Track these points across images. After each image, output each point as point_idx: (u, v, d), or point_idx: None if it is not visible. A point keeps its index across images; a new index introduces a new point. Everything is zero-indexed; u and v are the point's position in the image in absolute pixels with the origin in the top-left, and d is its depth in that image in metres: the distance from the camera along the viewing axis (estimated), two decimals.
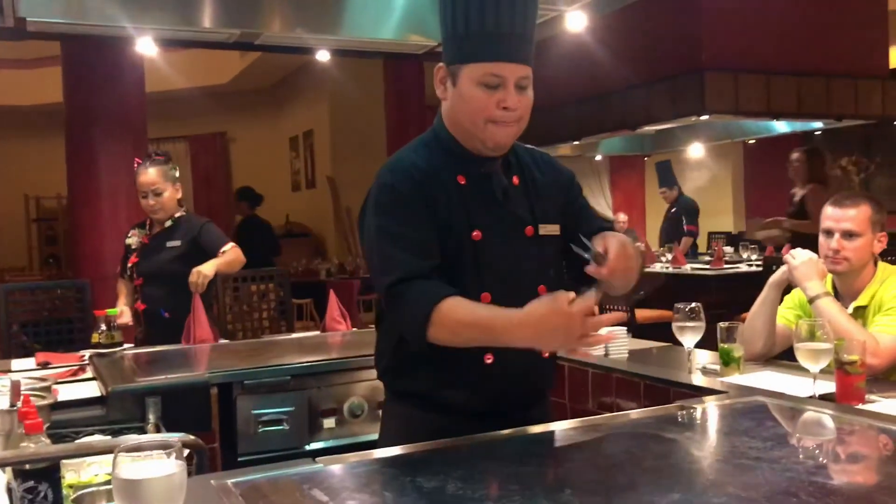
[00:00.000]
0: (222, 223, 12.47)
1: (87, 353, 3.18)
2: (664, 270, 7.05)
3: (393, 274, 1.65)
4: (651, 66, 6.85)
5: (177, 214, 3.75)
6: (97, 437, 2.11)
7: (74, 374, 2.90)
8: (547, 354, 1.80)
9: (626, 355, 2.73)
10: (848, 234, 2.50)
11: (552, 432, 1.76)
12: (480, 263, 1.71)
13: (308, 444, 2.79)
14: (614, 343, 2.74)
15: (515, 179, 1.80)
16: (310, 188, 11.77)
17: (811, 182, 5.90)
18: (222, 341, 3.63)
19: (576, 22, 4.06)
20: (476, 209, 1.72)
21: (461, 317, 1.59)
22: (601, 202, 12.04)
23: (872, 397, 2.05)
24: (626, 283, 1.64)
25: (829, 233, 2.53)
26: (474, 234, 1.70)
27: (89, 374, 2.87)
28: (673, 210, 8.26)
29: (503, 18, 1.63)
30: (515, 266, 1.75)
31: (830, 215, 2.55)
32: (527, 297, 1.60)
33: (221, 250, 3.63)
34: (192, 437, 1.58)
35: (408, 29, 4.12)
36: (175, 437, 1.39)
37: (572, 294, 1.48)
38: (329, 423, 2.83)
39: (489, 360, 1.70)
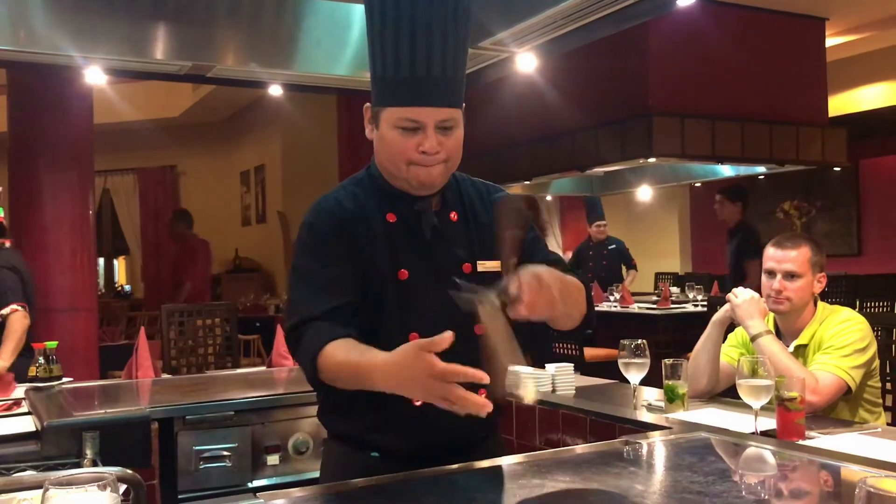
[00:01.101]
0: (170, 256, 12.30)
1: (23, 386, 3.09)
2: (611, 309, 7.12)
3: (292, 318, 1.64)
4: (600, 109, 6.99)
5: None
6: (29, 474, 2.04)
7: (8, 408, 2.80)
8: (484, 395, 1.66)
9: (573, 391, 2.75)
10: (789, 275, 2.55)
11: (498, 467, 1.75)
12: (406, 303, 1.67)
13: (251, 482, 2.73)
14: (561, 378, 2.76)
15: (454, 215, 1.76)
16: (260, 223, 11.67)
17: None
18: (165, 376, 3.56)
19: (526, 63, 4.13)
20: (404, 248, 1.69)
21: (338, 359, 1.54)
22: (552, 241, 12.17)
23: (812, 434, 2.08)
24: (560, 316, 1.57)
25: (772, 273, 2.59)
26: (400, 273, 1.67)
27: (24, 408, 2.78)
28: (612, 247, 8.10)
29: (419, 62, 1.60)
30: (449, 305, 1.58)
31: (772, 256, 2.61)
32: (463, 338, 1.48)
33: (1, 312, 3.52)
34: (129, 471, 1.53)
35: (361, 65, 4.14)
36: (111, 470, 1.34)
37: (448, 336, 1.34)
38: (273, 459, 2.78)
39: (418, 402, 1.61)
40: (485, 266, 1.75)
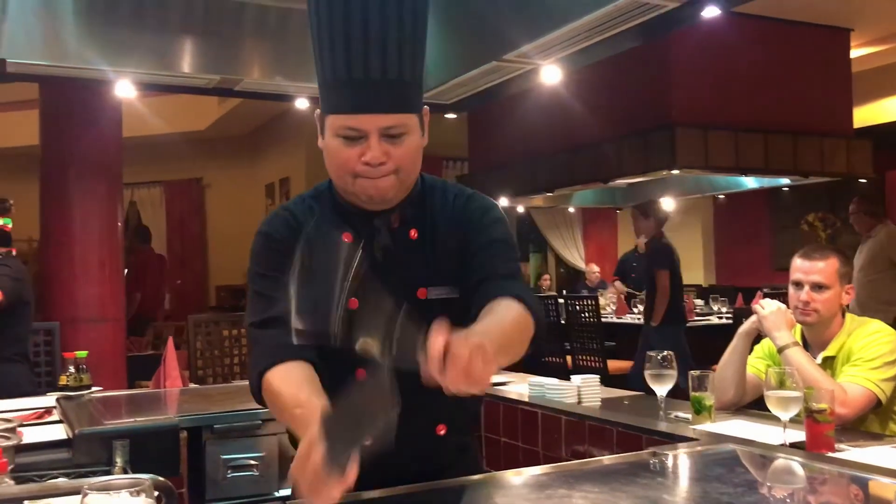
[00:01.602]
0: (195, 267, 12.36)
1: (53, 394, 3.13)
2: (636, 322, 7.09)
3: (257, 313, 1.55)
4: (624, 121, 6.99)
5: None
6: (63, 480, 2.07)
7: (40, 416, 2.84)
8: (444, 431, 1.62)
9: (599, 403, 2.74)
10: (817, 287, 2.54)
11: (525, 478, 1.75)
12: (355, 336, 1.40)
13: (278, 490, 2.74)
14: (587, 390, 2.76)
15: (413, 233, 1.59)
16: None
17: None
18: (192, 385, 3.59)
19: (550, 75, 4.15)
20: (357, 272, 1.47)
21: (275, 389, 1.45)
22: (574, 253, 12.16)
23: (842, 446, 2.07)
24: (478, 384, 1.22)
25: (799, 285, 2.58)
26: (351, 301, 1.42)
27: (56, 416, 2.82)
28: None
29: (354, 64, 1.45)
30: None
31: (800, 267, 2.60)
32: (414, 370, 1.27)
33: None
34: (161, 478, 1.56)
35: None
36: (145, 477, 1.37)
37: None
38: None
39: (367, 441, 1.33)
40: (436, 293, 1.57)
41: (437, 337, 1.18)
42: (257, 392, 1.52)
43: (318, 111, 1.55)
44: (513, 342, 1.42)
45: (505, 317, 1.43)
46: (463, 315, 1.42)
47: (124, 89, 4.05)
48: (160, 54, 3.68)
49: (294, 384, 1.43)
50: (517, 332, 1.45)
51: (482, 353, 1.18)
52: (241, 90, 4.13)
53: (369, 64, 1.44)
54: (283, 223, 1.60)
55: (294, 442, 1.70)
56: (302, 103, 4.46)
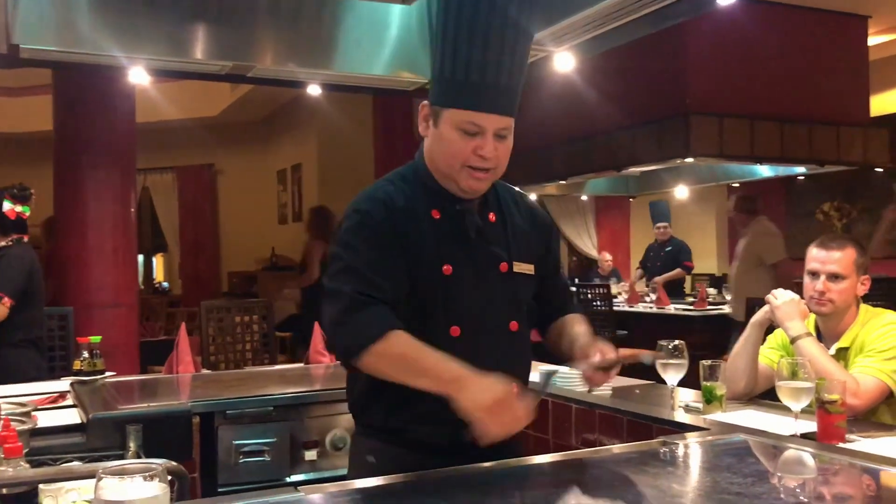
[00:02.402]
0: (208, 253, 12.40)
1: (67, 379, 3.16)
2: (648, 310, 7.08)
3: (355, 284, 1.64)
4: (637, 109, 6.95)
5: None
6: (78, 464, 2.09)
7: (54, 400, 2.87)
8: (515, 389, 1.77)
9: (610, 392, 2.74)
10: (833, 277, 2.53)
11: (535, 466, 1.76)
12: (450, 297, 1.72)
13: (289, 476, 2.77)
14: None
15: (492, 216, 1.82)
16: (296, 221, 11.77)
17: None
18: (204, 371, 3.62)
19: (564, 63, 4.12)
20: (448, 244, 1.74)
21: (403, 351, 1.61)
22: (587, 241, 12.12)
23: (853, 437, 2.06)
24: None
25: (815, 274, 2.56)
26: (445, 268, 1.72)
27: (70, 401, 2.84)
28: (669, 248, 8.33)
29: (489, 69, 1.65)
30: (487, 301, 1.76)
31: (815, 257, 2.58)
32: (497, 333, 1.74)
33: None
34: (174, 463, 1.57)
35: (398, 66, 4.17)
36: (158, 462, 1.38)
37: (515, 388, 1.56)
38: (311, 455, 2.81)
39: None
40: (520, 268, 1.82)
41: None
42: (357, 354, 1.62)
43: (425, 103, 1.75)
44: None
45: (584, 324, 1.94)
46: (532, 290, 1.87)
47: (138, 76, 4.05)
48: (173, 41, 3.67)
49: (427, 348, 1.62)
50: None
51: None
52: (254, 76, 4.11)
53: (500, 70, 1.66)
54: (381, 204, 1.73)
55: (368, 417, 1.81)
56: (314, 90, 4.45)
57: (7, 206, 3.78)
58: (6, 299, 3.59)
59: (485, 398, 1.52)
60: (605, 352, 1.77)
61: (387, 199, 1.74)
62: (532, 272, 1.85)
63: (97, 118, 5.57)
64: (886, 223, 6.31)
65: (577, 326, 1.92)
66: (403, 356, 1.61)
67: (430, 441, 1.73)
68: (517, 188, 1.97)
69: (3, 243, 3.75)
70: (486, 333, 1.74)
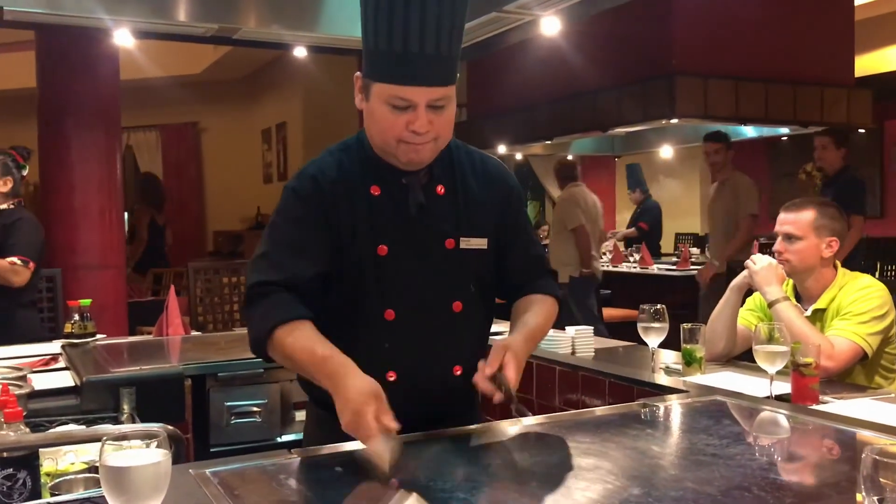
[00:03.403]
0: (193, 212, 12.35)
1: (58, 342, 3.20)
2: (631, 270, 7.17)
3: (261, 274, 1.63)
4: (623, 70, 6.95)
5: (1, 206, 3.71)
6: (72, 427, 2.14)
7: (46, 363, 2.91)
8: (459, 371, 1.73)
9: (593, 354, 2.81)
10: (788, 237, 2.61)
11: (519, 428, 1.82)
12: (385, 279, 1.65)
13: (280, 437, 2.83)
14: (581, 341, 2.82)
15: (440, 189, 1.71)
16: (282, 180, 11.74)
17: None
18: (194, 333, 3.66)
19: (550, 27, 4.13)
20: (385, 222, 1.66)
21: (296, 343, 1.56)
22: None
23: (826, 398, 2.14)
24: None
25: (776, 235, 2.66)
26: (380, 248, 1.65)
27: (62, 363, 2.88)
28: (638, 212, 8.56)
29: (412, 38, 1.52)
30: (425, 283, 1.68)
31: (777, 219, 2.67)
32: (436, 315, 1.68)
33: (10, 259, 3.57)
34: (170, 427, 1.62)
35: None
36: (157, 426, 1.43)
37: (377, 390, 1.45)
38: (301, 415, 2.87)
39: (391, 377, 1.66)
40: (468, 244, 1.72)
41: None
42: (262, 353, 1.62)
43: (358, 74, 1.64)
44: (544, 332, 1.81)
45: (539, 312, 1.78)
46: (489, 265, 1.76)
47: (122, 37, 4.03)
48: (157, 3, 3.66)
49: (311, 340, 1.56)
50: (548, 323, 1.82)
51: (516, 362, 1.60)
52: (239, 38, 4.11)
53: (424, 40, 1.53)
54: (310, 180, 1.67)
55: (308, 388, 1.78)
56: (300, 52, 4.44)
57: (24, 170, 3.78)
58: (31, 264, 3.61)
59: (346, 408, 1.44)
60: (497, 370, 1.59)
61: (318, 173, 1.67)
62: (485, 246, 1.74)
63: (81, 79, 5.52)
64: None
65: (524, 316, 1.77)
66: (287, 354, 1.57)
67: None
68: (480, 150, 1.85)
69: (11, 206, 3.73)
70: (425, 316, 1.67)
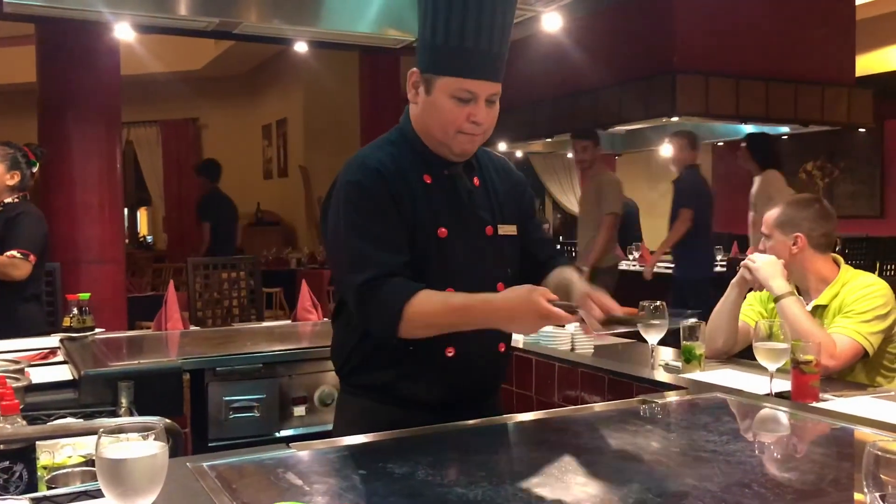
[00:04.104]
0: (192, 208, 12.41)
1: (57, 335, 3.19)
2: (630, 268, 7.17)
3: (365, 272, 1.69)
4: (624, 68, 6.94)
5: (6, 199, 3.71)
6: (70, 420, 2.13)
7: (44, 357, 2.90)
8: (503, 348, 1.88)
9: (592, 350, 2.80)
10: (765, 236, 2.66)
11: (518, 423, 1.82)
12: (445, 259, 1.77)
13: (278, 432, 2.82)
14: (580, 338, 2.82)
15: (476, 181, 1.86)
16: (282, 177, 11.73)
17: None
18: (193, 328, 3.65)
19: (552, 23, 4.12)
20: (441, 208, 1.79)
21: (435, 307, 1.66)
22: (572, 199, 12.16)
23: (826, 396, 2.13)
24: None
25: None
26: (440, 231, 1.77)
27: (60, 357, 2.87)
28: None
29: (482, 36, 1.67)
30: (477, 263, 1.82)
31: None
32: (490, 290, 1.74)
33: (9, 252, 3.55)
34: (168, 420, 1.62)
35: (385, 23, 4.15)
36: (155, 419, 1.42)
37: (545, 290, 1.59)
38: (299, 410, 2.87)
39: (450, 353, 1.77)
40: (504, 230, 1.88)
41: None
42: (394, 334, 1.68)
43: (414, 70, 1.77)
44: None
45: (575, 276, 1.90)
46: (518, 250, 1.92)
47: (122, 31, 4.02)
48: None
49: (444, 298, 1.68)
50: None
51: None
52: (240, 33, 4.09)
53: (492, 37, 1.69)
54: (375, 173, 1.75)
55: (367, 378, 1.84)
56: (300, 47, 4.43)
57: (34, 167, 3.78)
58: (32, 257, 3.60)
59: (526, 320, 1.59)
60: (604, 304, 1.68)
61: (379, 165, 1.76)
62: (515, 233, 1.90)
63: (82, 73, 5.52)
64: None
65: (570, 274, 1.90)
66: (429, 322, 1.67)
67: (416, 398, 1.79)
68: (490, 150, 2.00)
69: (15, 199, 3.72)
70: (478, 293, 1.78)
